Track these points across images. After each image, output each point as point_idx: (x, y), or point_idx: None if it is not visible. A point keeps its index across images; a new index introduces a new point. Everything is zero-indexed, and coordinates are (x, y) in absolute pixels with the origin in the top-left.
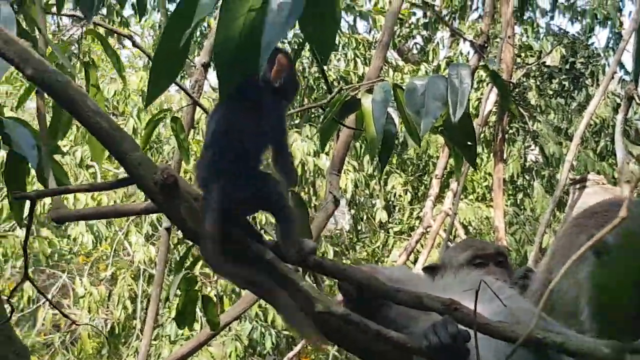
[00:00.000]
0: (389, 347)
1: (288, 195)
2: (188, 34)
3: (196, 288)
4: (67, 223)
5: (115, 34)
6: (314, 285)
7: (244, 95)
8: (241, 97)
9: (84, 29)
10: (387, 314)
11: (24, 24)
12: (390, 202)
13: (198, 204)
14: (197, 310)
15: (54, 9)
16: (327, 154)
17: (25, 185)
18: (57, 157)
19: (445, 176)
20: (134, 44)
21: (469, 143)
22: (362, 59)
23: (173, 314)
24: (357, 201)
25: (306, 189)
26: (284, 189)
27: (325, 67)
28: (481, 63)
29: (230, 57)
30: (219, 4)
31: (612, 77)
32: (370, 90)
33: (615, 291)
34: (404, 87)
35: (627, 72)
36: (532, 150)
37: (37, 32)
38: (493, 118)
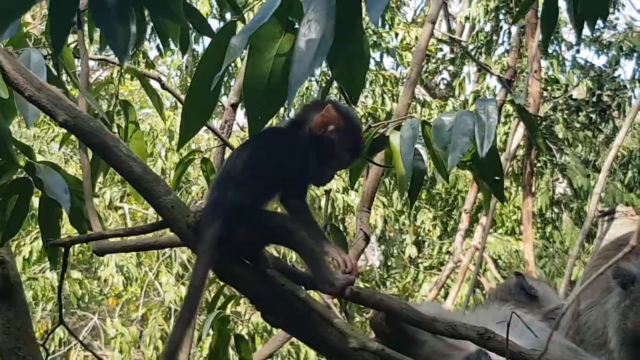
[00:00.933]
0: None
1: (300, 232)
2: (219, 77)
3: (228, 327)
4: (97, 264)
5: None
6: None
7: (273, 135)
8: (269, 137)
9: (118, 70)
10: (421, 351)
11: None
12: (420, 238)
13: None
14: (230, 349)
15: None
16: (356, 190)
17: (59, 229)
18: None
19: (474, 210)
20: (163, 86)
21: (497, 178)
22: (390, 95)
23: (205, 354)
24: (387, 237)
25: (336, 226)
26: (292, 224)
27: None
28: (508, 97)
29: (259, 96)
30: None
31: (639, 109)
32: (398, 128)
33: (635, 320)
34: (431, 123)
35: None
36: (560, 183)
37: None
38: (520, 152)
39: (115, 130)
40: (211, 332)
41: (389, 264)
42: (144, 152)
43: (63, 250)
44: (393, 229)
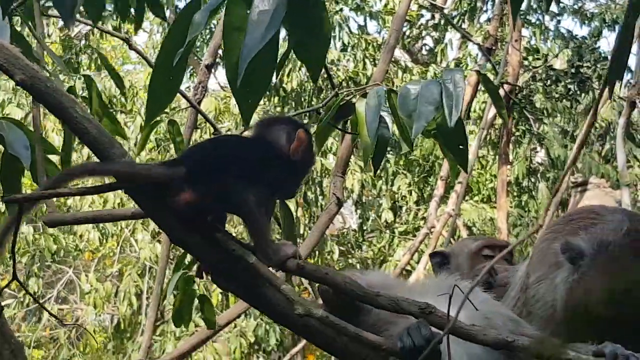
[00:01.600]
0: (366, 350)
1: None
2: (181, 53)
3: (193, 287)
4: None
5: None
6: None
7: (259, 146)
8: (256, 143)
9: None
10: (367, 319)
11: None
12: (397, 203)
13: None
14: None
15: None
16: (334, 154)
17: (20, 185)
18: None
19: (450, 177)
20: (130, 47)
21: (461, 147)
22: (372, 59)
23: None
24: (363, 201)
25: (313, 189)
26: (251, 197)
27: (334, 67)
28: (481, 67)
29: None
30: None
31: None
32: (365, 95)
33: (588, 297)
34: (397, 92)
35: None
36: (537, 152)
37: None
38: (499, 120)
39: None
40: (175, 292)
41: (364, 228)
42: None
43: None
44: (370, 194)
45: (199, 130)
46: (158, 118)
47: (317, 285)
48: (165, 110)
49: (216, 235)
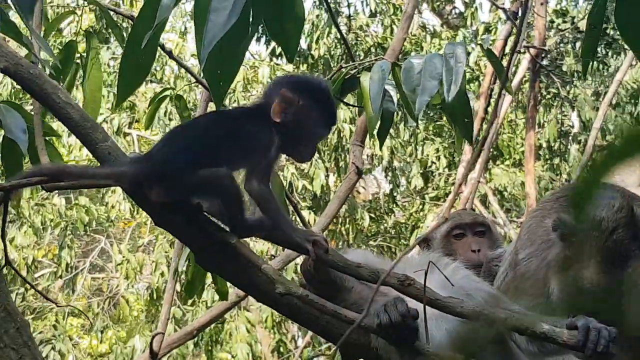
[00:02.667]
0: (346, 327)
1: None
2: (150, 35)
3: None
4: (105, 190)
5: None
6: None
7: (238, 114)
8: (233, 114)
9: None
10: (348, 297)
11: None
12: (428, 169)
13: None
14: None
15: None
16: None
17: (22, 167)
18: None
19: (479, 142)
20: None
21: (466, 120)
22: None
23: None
24: (394, 167)
25: (342, 156)
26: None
27: (362, 34)
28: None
29: (214, 62)
30: None
31: None
32: (369, 68)
33: (580, 273)
34: (401, 66)
35: None
36: (566, 116)
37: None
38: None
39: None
40: (188, 263)
41: (395, 194)
42: (100, 83)
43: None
44: (402, 159)
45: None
46: (165, 94)
47: (300, 264)
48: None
49: (197, 217)
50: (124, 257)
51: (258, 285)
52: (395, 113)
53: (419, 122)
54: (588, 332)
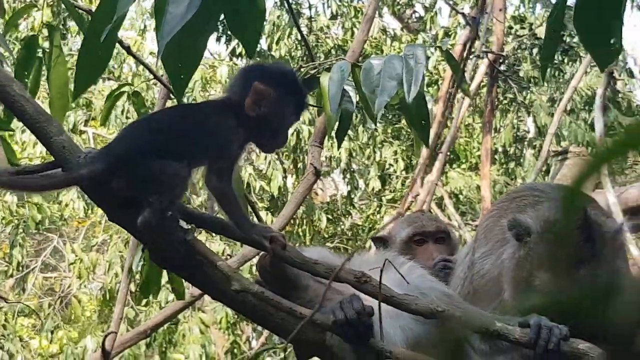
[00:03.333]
0: (303, 326)
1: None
2: (109, 29)
3: None
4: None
5: None
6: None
7: (205, 107)
8: (200, 107)
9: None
10: (304, 295)
11: None
12: (386, 171)
13: None
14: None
15: None
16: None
17: None
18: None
19: (437, 145)
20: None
21: (423, 122)
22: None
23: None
24: (353, 170)
25: (300, 157)
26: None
27: (322, 36)
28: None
29: (175, 55)
30: None
31: None
32: (329, 69)
33: (533, 274)
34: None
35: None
36: (521, 121)
37: None
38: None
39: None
40: (143, 262)
41: (352, 196)
42: (66, 78)
43: None
44: (360, 162)
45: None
46: (121, 90)
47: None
48: (124, 87)
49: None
50: (77, 256)
51: (214, 283)
52: (354, 115)
53: (378, 124)
54: (540, 330)
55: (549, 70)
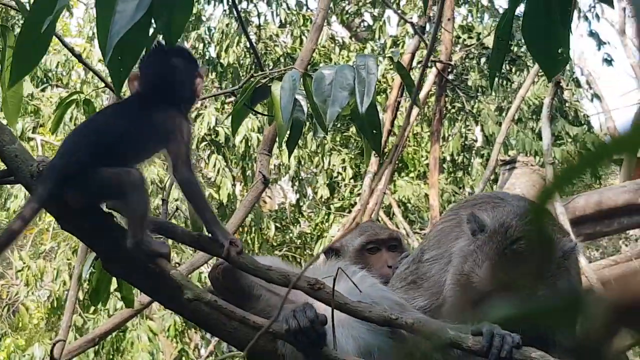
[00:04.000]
0: (254, 333)
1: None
2: (50, 20)
3: None
4: (6, 196)
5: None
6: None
7: (138, 103)
8: (135, 103)
9: None
10: (256, 305)
11: None
12: (334, 179)
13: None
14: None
15: None
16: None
17: None
18: None
19: (386, 154)
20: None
21: (375, 131)
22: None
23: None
24: (301, 177)
25: (249, 165)
26: (128, 178)
27: (271, 43)
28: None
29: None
30: None
31: None
32: (280, 78)
33: (475, 270)
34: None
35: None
36: (469, 130)
37: None
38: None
39: None
40: (93, 270)
41: (301, 204)
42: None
43: None
44: (308, 170)
45: None
46: (72, 98)
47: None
48: (75, 95)
49: (104, 222)
50: (24, 263)
51: (166, 291)
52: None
53: (320, 136)
54: (492, 338)
55: (496, 79)
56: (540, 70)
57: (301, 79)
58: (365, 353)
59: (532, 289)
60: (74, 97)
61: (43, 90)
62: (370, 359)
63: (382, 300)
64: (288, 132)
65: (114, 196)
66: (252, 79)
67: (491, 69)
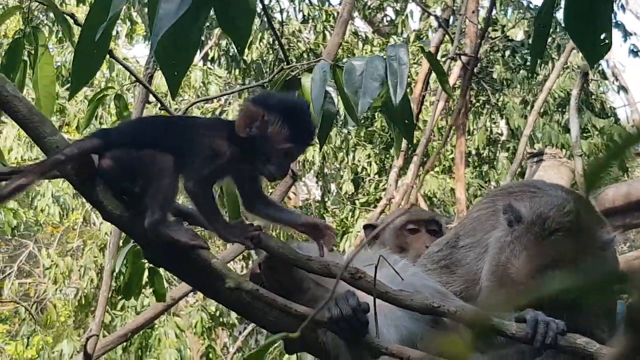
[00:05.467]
0: (297, 322)
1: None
2: (104, 27)
3: (142, 260)
4: (33, 194)
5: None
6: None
7: (196, 123)
8: (194, 121)
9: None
10: (302, 296)
11: None
12: (359, 174)
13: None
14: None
15: None
16: None
17: None
18: None
19: (410, 148)
20: (76, 22)
21: (407, 122)
22: (332, 31)
23: None
24: (325, 173)
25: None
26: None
27: (294, 39)
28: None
29: (169, 52)
30: None
31: (577, 50)
32: (310, 70)
33: (513, 261)
34: (343, 67)
35: None
36: (495, 123)
37: None
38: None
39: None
40: (125, 265)
41: (325, 200)
42: (53, 77)
43: None
44: (332, 166)
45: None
46: (105, 93)
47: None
48: (107, 90)
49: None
50: (52, 261)
51: (207, 280)
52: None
53: (351, 128)
54: (537, 324)
55: (521, 72)
56: (566, 63)
57: (331, 71)
58: (408, 341)
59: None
60: (106, 93)
61: (68, 89)
62: (413, 347)
63: (424, 288)
64: (319, 124)
65: (142, 171)
66: (281, 72)
67: (533, 55)
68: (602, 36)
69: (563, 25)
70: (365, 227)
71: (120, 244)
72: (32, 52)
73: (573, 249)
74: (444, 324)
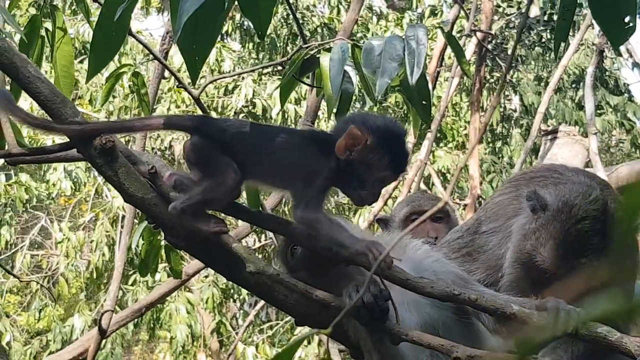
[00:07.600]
0: (317, 307)
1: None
2: (124, 8)
3: (159, 237)
4: (46, 168)
5: None
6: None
7: (303, 138)
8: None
9: None
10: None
11: None
12: None
13: (137, 168)
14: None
15: None
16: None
17: None
18: None
19: (423, 125)
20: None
21: (424, 102)
22: (346, 6)
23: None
24: None
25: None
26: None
27: (308, 14)
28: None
29: (190, 37)
30: None
31: (592, 27)
32: (329, 49)
33: (538, 248)
34: (361, 47)
35: None
36: (511, 100)
37: None
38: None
39: (43, 34)
40: (141, 241)
41: None
42: (71, 57)
43: None
44: None
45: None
46: (122, 70)
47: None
48: (125, 67)
49: (170, 193)
50: (64, 235)
51: (228, 264)
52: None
53: (366, 105)
54: (558, 313)
55: (536, 48)
56: (582, 40)
57: (350, 50)
58: (429, 328)
59: (597, 269)
60: (124, 70)
61: (81, 62)
62: (434, 333)
63: (446, 274)
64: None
65: (208, 167)
66: (299, 52)
67: (557, 37)
68: (627, 19)
69: (587, 7)
70: (377, 220)
71: (135, 221)
72: (49, 29)
73: (600, 236)
74: (466, 311)
